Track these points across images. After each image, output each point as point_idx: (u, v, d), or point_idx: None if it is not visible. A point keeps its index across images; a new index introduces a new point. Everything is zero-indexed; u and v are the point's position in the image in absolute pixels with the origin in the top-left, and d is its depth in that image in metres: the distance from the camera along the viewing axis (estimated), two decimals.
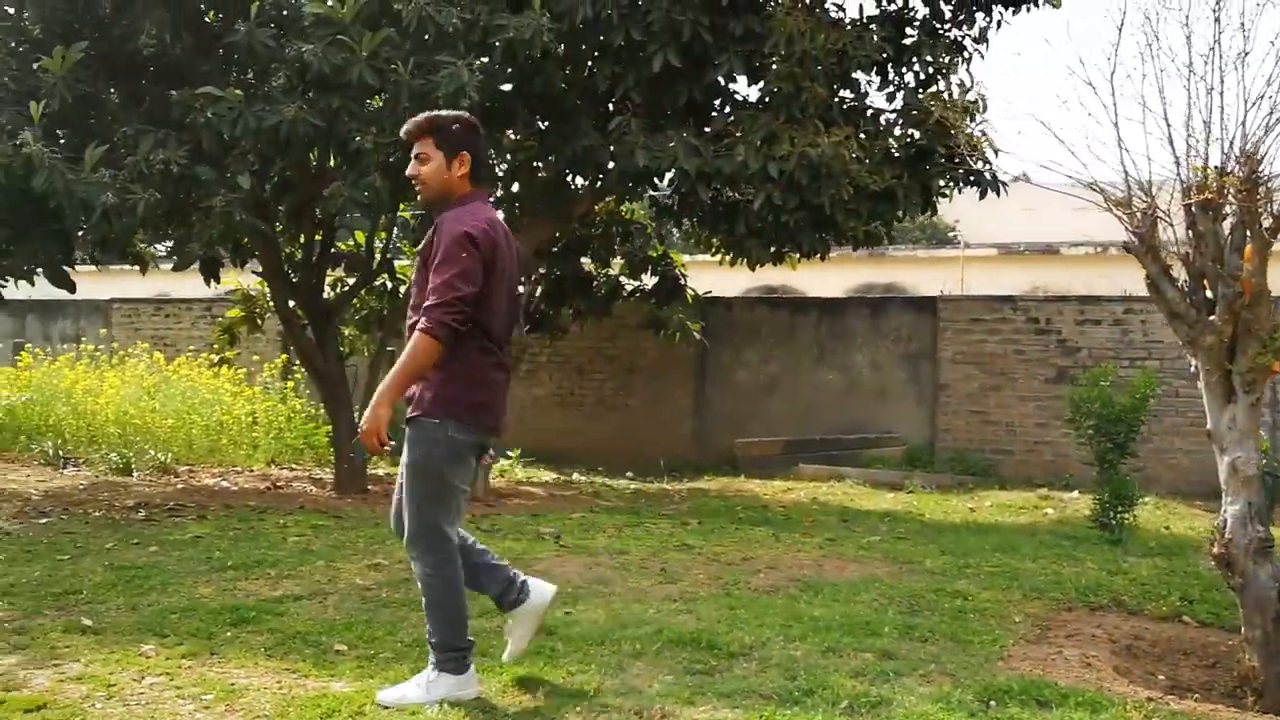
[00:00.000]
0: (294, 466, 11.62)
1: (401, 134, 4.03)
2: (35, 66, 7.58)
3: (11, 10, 7.92)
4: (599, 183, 10.14)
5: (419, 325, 3.70)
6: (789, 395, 13.06)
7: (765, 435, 12.76)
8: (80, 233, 8.02)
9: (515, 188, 10.92)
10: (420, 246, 3.97)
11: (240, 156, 7.95)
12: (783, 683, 4.18)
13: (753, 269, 11.06)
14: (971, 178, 9.91)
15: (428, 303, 3.71)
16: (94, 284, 15.49)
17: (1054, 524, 8.91)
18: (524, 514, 8.75)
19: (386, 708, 3.79)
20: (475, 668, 4.02)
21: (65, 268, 8.35)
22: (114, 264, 11.64)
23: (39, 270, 8.28)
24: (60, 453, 11.46)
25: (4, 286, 8.64)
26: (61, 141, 7.82)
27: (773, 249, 10.27)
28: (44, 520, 7.78)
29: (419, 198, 4.07)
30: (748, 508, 9.46)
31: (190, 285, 14.43)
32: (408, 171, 4.03)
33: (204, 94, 7.69)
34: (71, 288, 8.45)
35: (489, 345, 3.89)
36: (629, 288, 12.36)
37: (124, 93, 8.40)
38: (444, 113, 4.07)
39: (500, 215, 4.55)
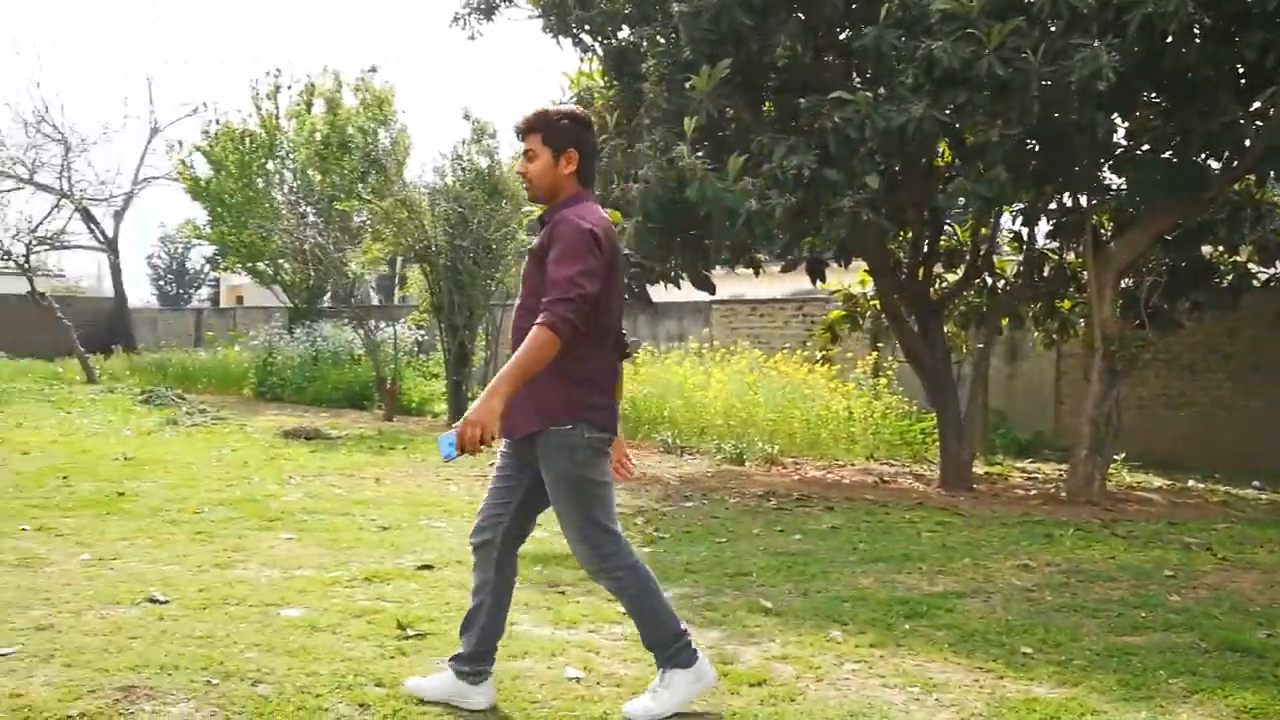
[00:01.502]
0: (892, 461, 11.75)
1: (513, 129, 3.81)
2: (688, 86, 8.22)
3: (661, 40, 8.65)
4: (1234, 162, 9.22)
5: (541, 319, 3.43)
6: None
7: None
8: (718, 239, 8.58)
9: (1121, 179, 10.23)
10: (533, 245, 3.71)
11: (866, 157, 8.11)
12: None
13: None
14: None
15: (550, 297, 3.46)
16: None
17: None
18: (1152, 521, 8.16)
19: None
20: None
21: (704, 271, 9.00)
22: (731, 268, 12.34)
23: (683, 274, 8.99)
24: (677, 442, 12.45)
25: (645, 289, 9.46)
26: (699, 154, 8.40)
27: None
28: (689, 504, 8.44)
29: (527, 195, 3.83)
30: None
31: (765, 286, 15.12)
32: (516, 168, 3.87)
33: (834, 99, 7.93)
34: (711, 289, 9.11)
35: (606, 346, 3.71)
36: (1262, 277, 11.16)
37: (758, 104, 8.89)
38: (552, 108, 3.80)
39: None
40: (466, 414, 3.40)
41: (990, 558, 6.43)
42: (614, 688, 3.95)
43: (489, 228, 15.03)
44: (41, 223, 24.85)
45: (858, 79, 8.91)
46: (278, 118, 22.51)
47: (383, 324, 18.96)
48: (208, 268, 47.38)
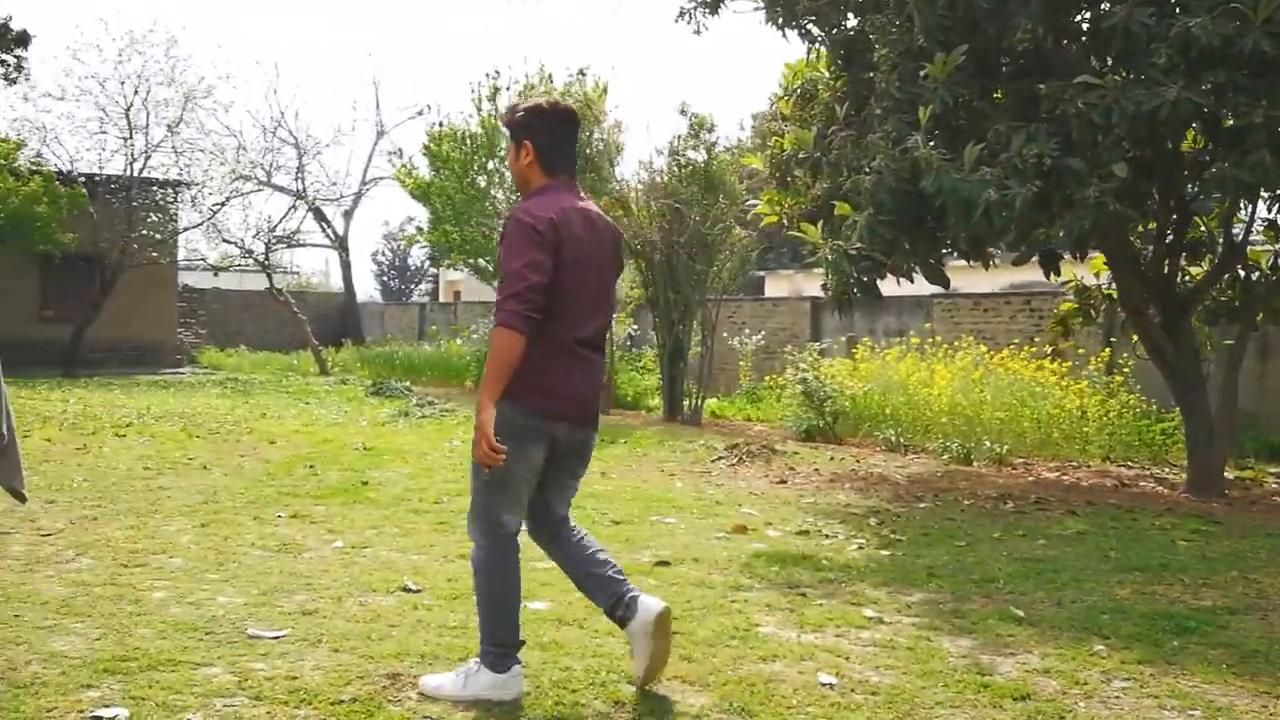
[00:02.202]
0: (1131, 463, 11.16)
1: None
2: (922, 74, 7.98)
3: (893, 27, 8.42)
4: None
5: (497, 319, 3.53)
6: None
7: None
8: (954, 231, 8.29)
9: None
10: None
11: (1113, 144, 7.70)
12: None
13: None
14: None
15: (500, 295, 3.56)
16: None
17: None
18: None
19: (424, 695, 3.69)
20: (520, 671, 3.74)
21: (938, 265, 8.73)
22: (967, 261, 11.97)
23: (915, 268, 8.75)
24: (900, 440, 12.16)
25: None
26: (931, 144, 8.13)
27: None
28: (922, 505, 8.21)
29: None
30: None
31: (983, 279, 14.55)
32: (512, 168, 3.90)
33: (1078, 83, 7.55)
34: (946, 283, 8.84)
35: (559, 331, 3.64)
36: None
37: (992, 91, 8.55)
38: (517, 103, 3.87)
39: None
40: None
41: (1259, 570, 5.99)
42: (869, 695, 3.83)
43: (705, 222, 15.03)
44: (279, 222, 26.31)
45: (1099, 61, 8.46)
46: (496, 118, 23.11)
47: None
48: (428, 264, 49.22)
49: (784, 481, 9.41)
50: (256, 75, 76.97)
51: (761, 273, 29.49)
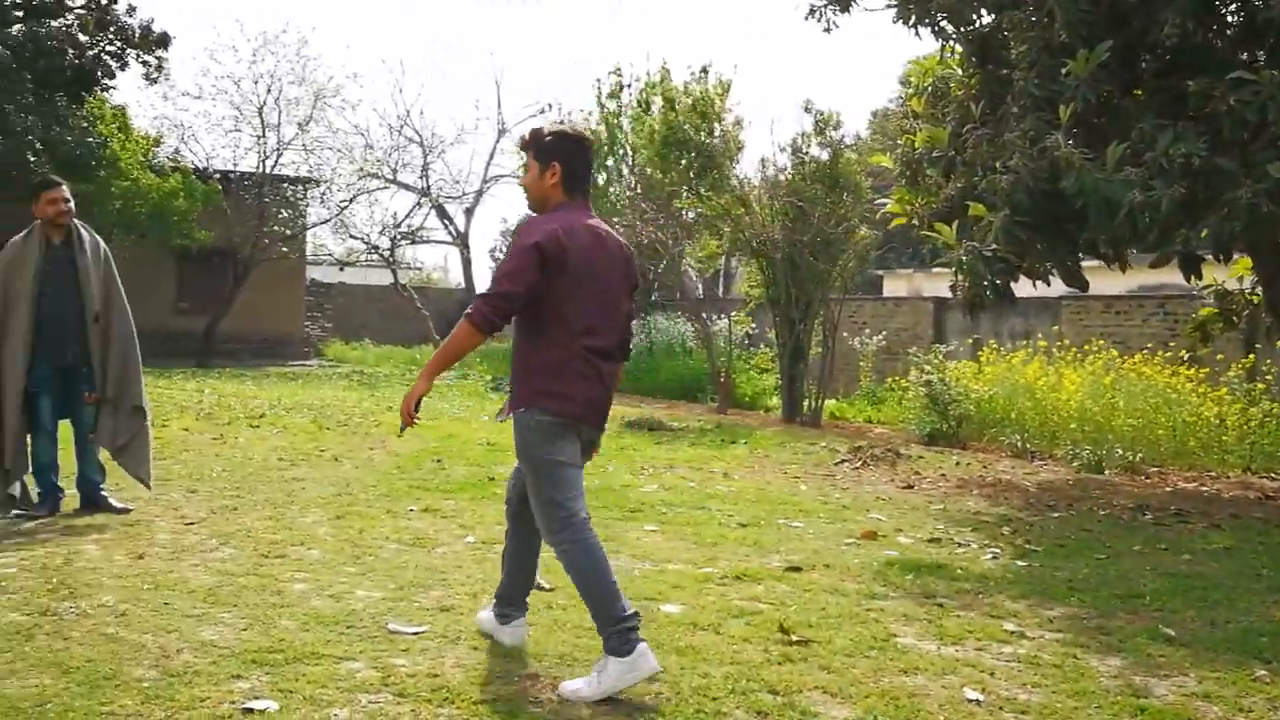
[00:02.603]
0: (1274, 475, 10.69)
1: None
2: (1064, 72, 7.75)
3: (1031, 23, 8.19)
4: None
5: (467, 311, 3.91)
6: None
7: None
8: (1095, 233, 8.05)
9: None
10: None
11: (1268, 143, 7.37)
12: None
13: None
14: None
15: (479, 294, 4.00)
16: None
17: None
18: None
19: (563, 699, 3.75)
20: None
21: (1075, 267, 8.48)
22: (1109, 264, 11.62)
23: (1053, 270, 8.51)
24: (1026, 445, 11.86)
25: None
26: (1070, 144, 7.89)
27: None
28: (1055, 514, 7.99)
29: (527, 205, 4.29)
30: None
31: (1112, 281, 14.06)
32: (520, 181, 4.34)
33: (1230, 79, 7.25)
34: (1084, 285, 8.58)
35: (569, 340, 3.93)
36: None
37: (1136, 87, 8.28)
38: (545, 126, 4.18)
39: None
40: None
41: None
42: (1019, 714, 3.72)
43: (829, 221, 14.86)
44: (405, 219, 26.80)
45: (1252, 56, 8.12)
46: (619, 116, 23.24)
47: (714, 316, 19.19)
48: None
49: (910, 486, 9.24)
50: (382, 74, 78.44)
51: (880, 272, 29.11)
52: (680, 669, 4.03)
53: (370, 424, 12.34)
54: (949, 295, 11.85)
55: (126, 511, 6.67)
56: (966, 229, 8.62)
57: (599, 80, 24.28)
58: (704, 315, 18.30)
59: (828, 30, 9.82)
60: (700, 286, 20.20)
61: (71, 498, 6.79)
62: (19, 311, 6.42)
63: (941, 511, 7.98)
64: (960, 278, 8.66)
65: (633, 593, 5.12)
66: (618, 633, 3.76)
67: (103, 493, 6.76)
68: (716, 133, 17.54)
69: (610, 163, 23.47)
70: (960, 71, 9.67)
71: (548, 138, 4.12)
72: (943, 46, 9.79)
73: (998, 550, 6.58)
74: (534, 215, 4.16)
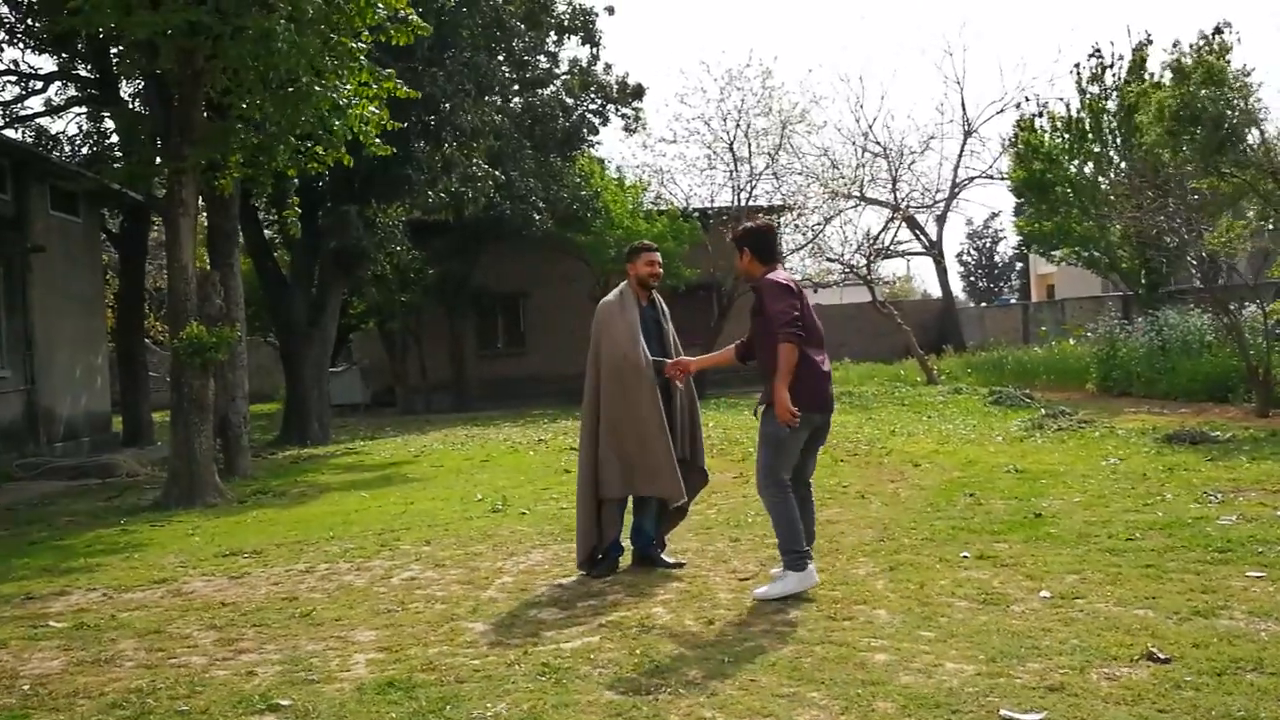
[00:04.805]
0: None
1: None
2: None
3: None
4: None
5: (781, 337, 5.64)
6: None
7: None
8: None
9: None
10: (754, 305, 6.05)
11: None
12: None
13: None
14: None
15: (778, 324, 5.67)
16: None
17: None
18: None
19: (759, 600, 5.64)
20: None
21: None
22: None
23: None
24: None
25: None
26: None
27: None
28: None
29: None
30: None
31: None
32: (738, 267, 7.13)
33: None
34: None
35: (810, 353, 5.82)
36: None
37: None
38: (739, 224, 7.17)
39: None
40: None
41: None
42: None
43: None
44: (879, 235, 26.44)
45: None
46: (1104, 100, 21.53)
47: (1247, 304, 17.06)
48: (1018, 262, 47.47)
49: None
50: (841, 91, 78.79)
51: None
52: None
53: (880, 451, 11.97)
54: None
55: (680, 566, 6.70)
56: None
57: (1077, 65, 22.51)
58: (1229, 305, 16.29)
59: None
60: (1226, 271, 18.04)
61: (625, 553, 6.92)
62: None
63: None
64: None
65: (1268, 663, 4.30)
66: (798, 557, 5.71)
67: (654, 548, 6.82)
68: (1235, 100, 15.63)
69: (1098, 149, 21.75)
70: None
71: (741, 235, 6.23)
72: None
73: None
74: (762, 279, 5.96)
